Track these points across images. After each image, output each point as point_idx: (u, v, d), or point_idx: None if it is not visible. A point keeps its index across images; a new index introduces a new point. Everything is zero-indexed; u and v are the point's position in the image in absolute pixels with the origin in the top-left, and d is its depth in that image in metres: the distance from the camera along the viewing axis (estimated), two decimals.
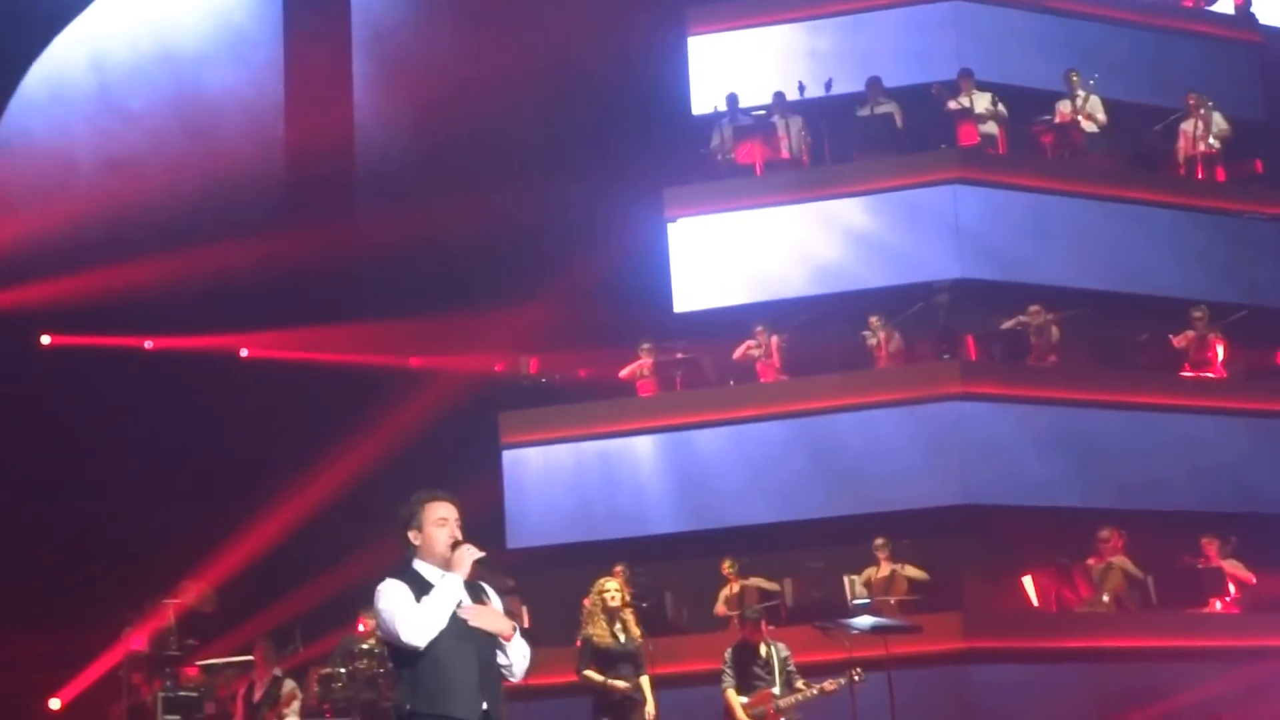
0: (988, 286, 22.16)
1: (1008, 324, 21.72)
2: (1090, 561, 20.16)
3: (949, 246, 22.14)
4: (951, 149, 22.51)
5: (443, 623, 7.82)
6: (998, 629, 19.71)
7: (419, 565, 8.03)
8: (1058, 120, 23.09)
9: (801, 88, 23.12)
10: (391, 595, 7.91)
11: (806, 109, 23.05)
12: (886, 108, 22.65)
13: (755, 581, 20.00)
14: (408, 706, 7.86)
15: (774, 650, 15.48)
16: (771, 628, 16.68)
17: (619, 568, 18.75)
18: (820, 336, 22.06)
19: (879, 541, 19.63)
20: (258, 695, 16.58)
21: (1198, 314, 21.94)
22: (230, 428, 21.99)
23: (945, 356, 21.51)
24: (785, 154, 22.80)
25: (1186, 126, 23.52)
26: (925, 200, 22.22)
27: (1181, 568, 20.54)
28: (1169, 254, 23.10)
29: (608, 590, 14.90)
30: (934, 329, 21.80)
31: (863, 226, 22.32)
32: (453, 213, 22.23)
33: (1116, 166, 23.14)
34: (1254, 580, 20.31)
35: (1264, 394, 22.27)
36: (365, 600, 18.34)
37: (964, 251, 22.15)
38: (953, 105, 22.67)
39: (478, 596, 8.10)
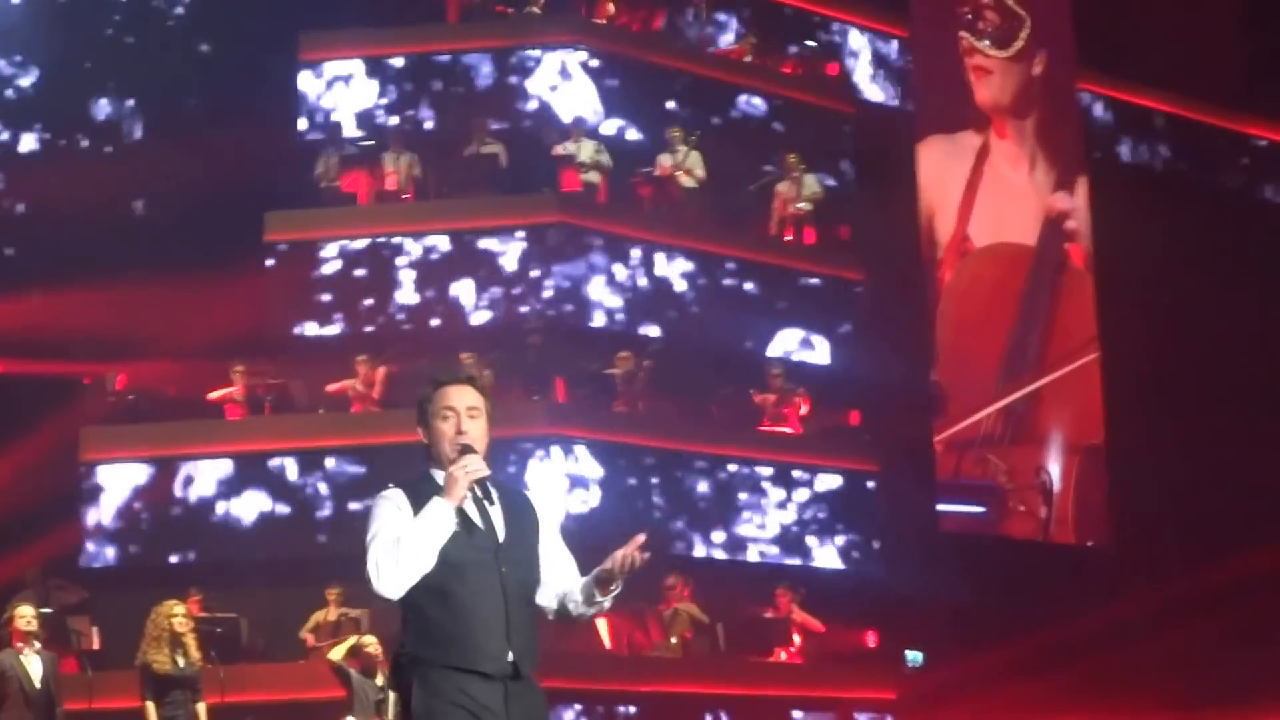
0: (581, 330, 22.53)
1: (607, 370, 22.09)
2: (661, 606, 20.68)
3: (545, 289, 22.47)
4: (553, 193, 22.84)
5: (426, 565, 6.01)
6: (568, 669, 19.97)
7: (434, 471, 6.26)
8: (658, 173, 23.58)
9: (410, 121, 23.29)
10: (378, 518, 6.17)
11: (414, 143, 23.14)
12: (492, 148, 22.85)
13: (345, 610, 19.91)
14: (410, 651, 6.15)
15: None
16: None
17: (193, 591, 18.59)
18: (415, 371, 22.11)
19: None
20: None
21: (776, 372, 22.68)
22: None
23: (535, 398, 21.79)
24: (391, 186, 22.84)
25: (781, 188, 24.24)
26: (524, 241, 22.52)
27: (750, 617, 21.19)
28: (756, 311, 23.80)
29: (175, 614, 14.57)
30: (525, 370, 22.06)
31: (462, 263, 22.51)
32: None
33: (711, 222, 23.69)
34: (823, 629, 21.06)
35: (838, 452, 23.10)
36: None
37: (559, 295, 22.51)
38: (558, 151, 22.98)
39: (514, 504, 6.37)
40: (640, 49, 24.23)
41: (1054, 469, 25.81)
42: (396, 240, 22.66)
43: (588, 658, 20.63)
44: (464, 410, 6.23)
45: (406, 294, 22.57)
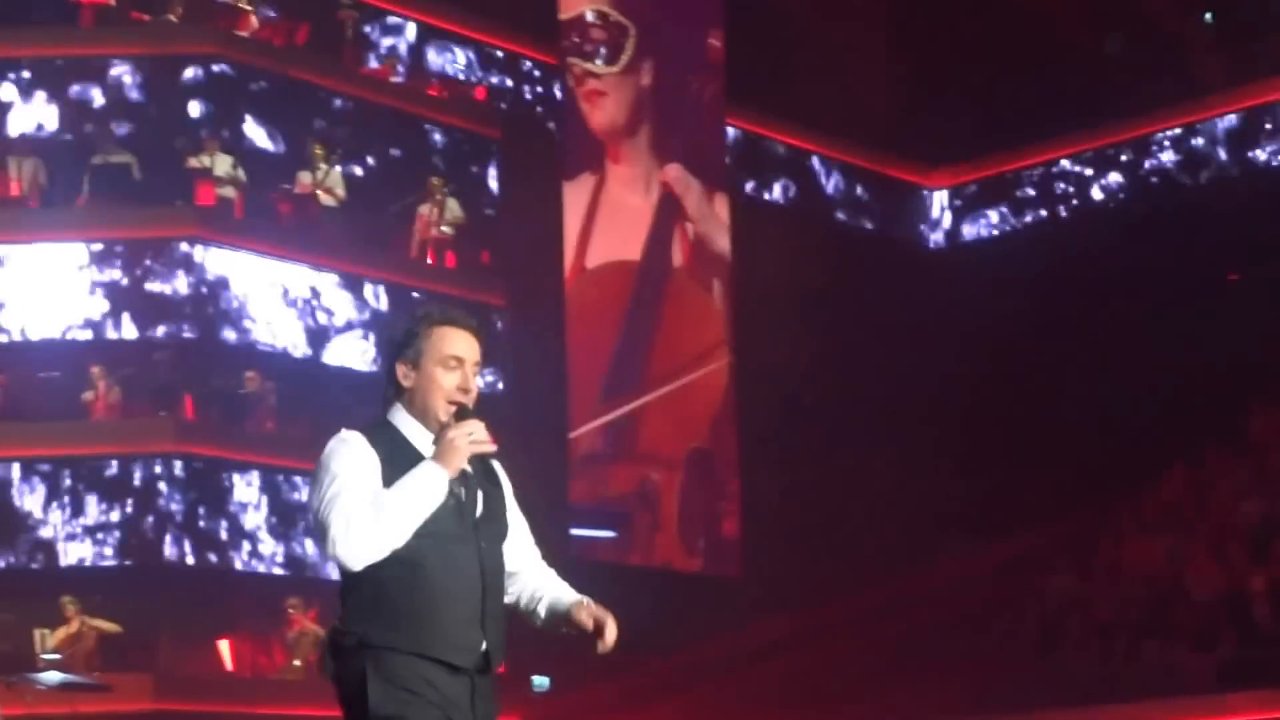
0: (214, 347, 22.11)
1: (238, 390, 21.71)
2: (285, 629, 20.37)
3: (177, 304, 22.00)
4: (187, 206, 22.31)
5: (402, 539, 5.10)
6: (189, 692, 19.71)
7: (400, 419, 5.28)
8: (298, 190, 23.23)
9: (36, 126, 22.62)
10: (339, 462, 5.15)
11: (40, 149, 22.43)
12: (122, 158, 22.25)
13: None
14: (357, 633, 5.17)
15: None
16: None
17: None
18: (41, 383, 21.53)
19: (66, 599, 19.35)
20: None
21: None
22: None
23: (162, 414, 21.31)
24: (15, 193, 22.12)
25: (424, 210, 24.08)
26: (156, 255, 22.02)
27: None
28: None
29: None
30: (155, 385, 21.57)
31: (89, 275, 21.93)
32: None
33: (350, 242, 23.40)
34: None
35: None
36: None
37: (192, 310, 22.06)
38: (193, 163, 22.47)
39: (487, 474, 5.42)
40: (282, 64, 23.80)
41: (656, 479, 26.04)
42: (20, 250, 21.97)
43: (210, 681, 20.26)
44: (470, 364, 5.29)
45: (30, 305, 21.87)
